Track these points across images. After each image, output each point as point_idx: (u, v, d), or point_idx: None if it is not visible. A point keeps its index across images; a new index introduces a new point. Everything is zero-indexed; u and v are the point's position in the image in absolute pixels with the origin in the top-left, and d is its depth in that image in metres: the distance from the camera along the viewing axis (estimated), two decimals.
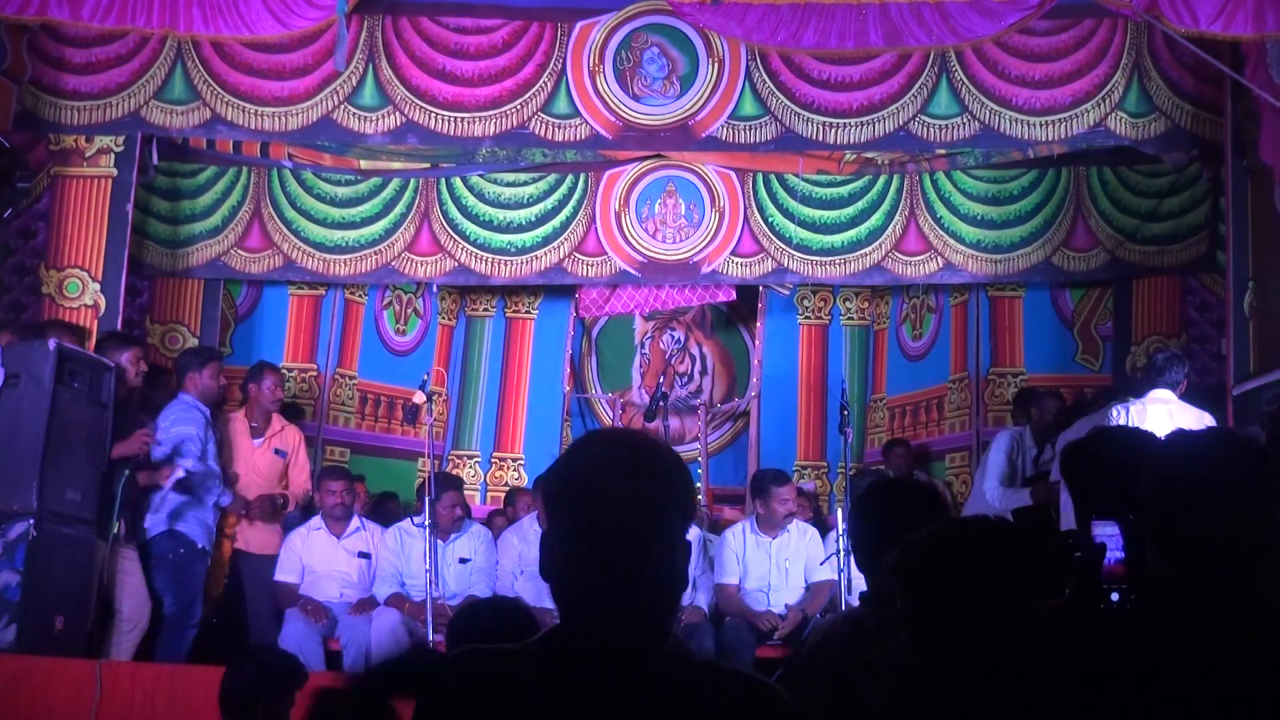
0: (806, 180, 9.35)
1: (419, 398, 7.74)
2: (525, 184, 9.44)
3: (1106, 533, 2.55)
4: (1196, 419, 6.76)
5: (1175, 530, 2.28)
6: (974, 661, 2.35)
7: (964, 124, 8.13)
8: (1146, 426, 5.39)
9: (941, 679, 2.37)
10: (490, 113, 8.24)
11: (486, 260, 9.39)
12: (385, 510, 8.77)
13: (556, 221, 9.39)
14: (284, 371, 9.70)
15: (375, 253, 9.38)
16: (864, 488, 3.40)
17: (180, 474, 7.29)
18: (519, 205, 9.41)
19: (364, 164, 9.40)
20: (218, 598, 7.84)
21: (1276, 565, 2.25)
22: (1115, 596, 2.51)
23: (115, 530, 7.14)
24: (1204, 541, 2.25)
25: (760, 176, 9.37)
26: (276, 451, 8.24)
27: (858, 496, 3.39)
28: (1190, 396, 7.20)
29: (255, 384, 8.23)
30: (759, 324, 11.10)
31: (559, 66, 8.25)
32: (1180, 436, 2.46)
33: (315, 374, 10.01)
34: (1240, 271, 7.65)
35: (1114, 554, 2.55)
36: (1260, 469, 2.30)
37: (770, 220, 9.34)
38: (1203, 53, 7.46)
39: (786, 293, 10.88)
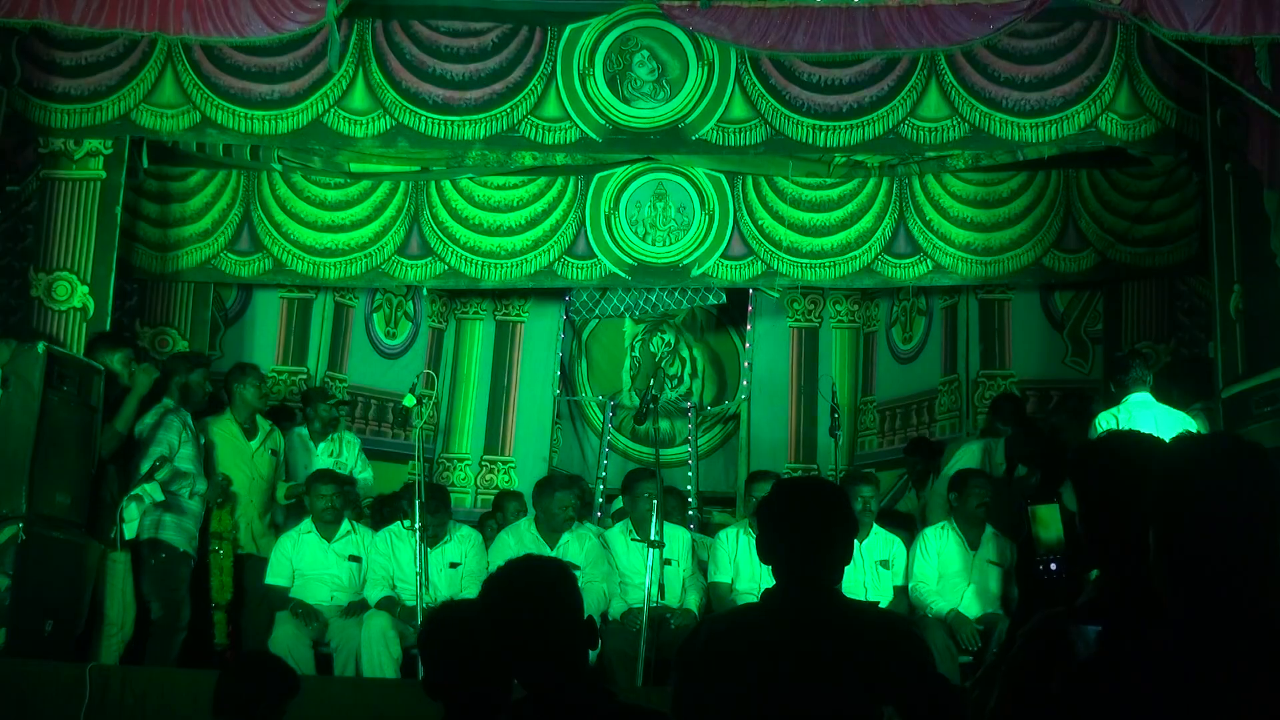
0: (796, 183, 9.35)
1: (409, 401, 7.73)
2: (515, 187, 9.43)
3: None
4: (1179, 422, 6.83)
5: (1179, 539, 2.28)
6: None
7: (954, 126, 8.13)
8: None
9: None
10: (480, 116, 8.23)
11: (476, 263, 9.39)
12: (396, 509, 8.63)
13: (546, 224, 9.39)
14: (274, 375, 9.72)
15: (365, 256, 9.37)
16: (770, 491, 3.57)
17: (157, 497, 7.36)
18: (509, 208, 9.41)
19: (354, 167, 9.40)
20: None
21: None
22: (1054, 566, 2.88)
23: (113, 534, 7.16)
24: (1208, 550, 2.25)
25: (750, 179, 9.38)
26: (273, 452, 8.29)
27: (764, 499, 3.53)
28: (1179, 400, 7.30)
29: (239, 384, 8.25)
30: (749, 327, 11.11)
31: (549, 70, 8.25)
32: (1184, 443, 2.44)
33: (305, 377, 10.00)
34: (1226, 274, 7.67)
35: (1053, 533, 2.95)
36: (1265, 476, 2.29)
37: (760, 223, 9.34)
38: (1188, 54, 7.47)
39: (776, 295, 10.90)
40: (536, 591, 3.01)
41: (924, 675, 3.18)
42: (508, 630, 2.98)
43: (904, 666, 3.15)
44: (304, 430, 8.82)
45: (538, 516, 7.91)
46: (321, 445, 8.79)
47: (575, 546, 7.72)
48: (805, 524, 3.27)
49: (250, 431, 8.23)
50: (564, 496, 7.85)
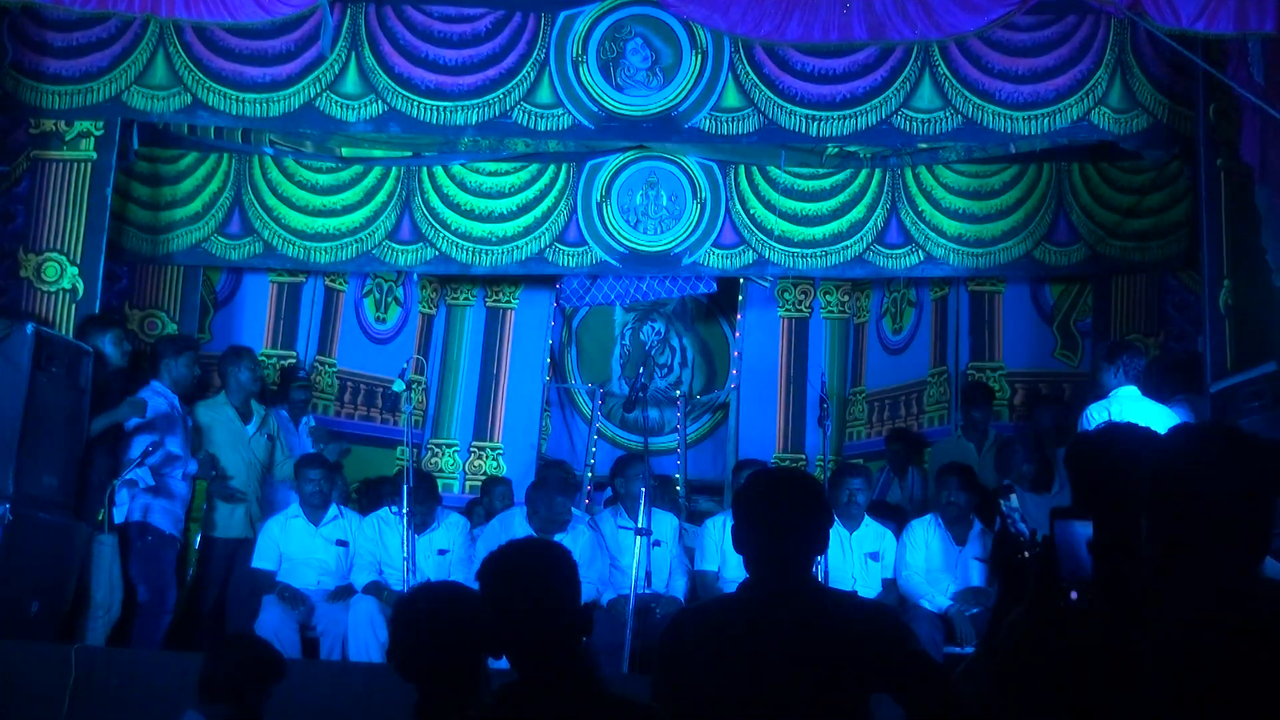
0: (788, 172, 9.35)
1: (398, 386, 7.72)
2: (507, 173, 9.42)
3: (1079, 533, 2.57)
4: (1167, 416, 6.84)
5: (1173, 524, 2.29)
6: None
7: (947, 118, 8.12)
8: None
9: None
10: (473, 101, 8.20)
11: (467, 249, 9.37)
12: (380, 493, 8.63)
13: (538, 211, 9.37)
14: (264, 359, 9.70)
15: (356, 240, 9.35)
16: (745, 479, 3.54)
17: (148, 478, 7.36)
18: (500, 194, 9.39)
19: (345, 151, 9.38)
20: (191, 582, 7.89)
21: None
22: (1074, 595, 2.52)
23: (101, 517, 7.14)
24: (1201, 535, 2.26)
25: (742, 168, 9.37)
26: (269, 437, 8.32)
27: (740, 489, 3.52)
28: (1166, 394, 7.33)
29: (234, 368, 8.24)
30: (739, 316, 11.11)
31: (542, 56, 8.23)
32: (1179, 432, 2.45)
33: (295, 361, 9.98)
34: (1215, 269, 7.68)
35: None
36: (1258, 466, 2.30)
37: (752, 212, 9.33)
38: (1181, 48, 7.47)
39: (767, 285, 10.90)
40: (534, 574, 3.00)
41: (910, 657, 3.18)
42: (503, 612, 2.96)
43: (888, 651, 3.15)
44: (284, 411, 8.86)
45: (530, 513, 7.85)
46: (300, 426, 8.85)
47: (569, 545, 7.65)
48: (779, 515, 3.27)
49: (246, 415, 8.23)
50: (563, 502, 7.76)
